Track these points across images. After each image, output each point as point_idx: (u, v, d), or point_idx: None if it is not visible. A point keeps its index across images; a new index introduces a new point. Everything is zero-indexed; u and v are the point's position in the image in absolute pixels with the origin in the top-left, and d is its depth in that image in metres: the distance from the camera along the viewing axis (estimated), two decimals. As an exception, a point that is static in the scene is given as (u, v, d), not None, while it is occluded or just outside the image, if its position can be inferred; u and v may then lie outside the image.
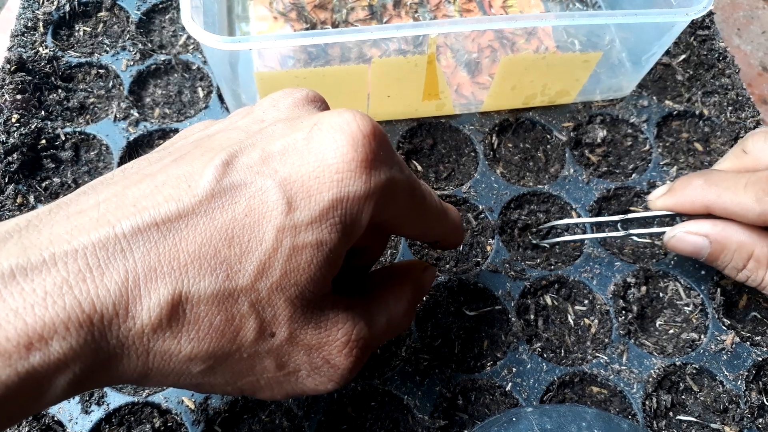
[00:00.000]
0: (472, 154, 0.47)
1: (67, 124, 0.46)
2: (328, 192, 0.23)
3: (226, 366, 0.24)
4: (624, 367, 0.39)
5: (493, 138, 0.48)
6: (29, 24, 0.50)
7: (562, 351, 0.40)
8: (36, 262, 0.20)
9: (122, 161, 0.45)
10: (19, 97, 0.45)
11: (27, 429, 0.35)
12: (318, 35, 0.38)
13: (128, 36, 0.50)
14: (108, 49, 0.50)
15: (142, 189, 0.23)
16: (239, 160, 0.23)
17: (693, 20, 0.43)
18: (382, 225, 0.27)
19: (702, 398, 0.39)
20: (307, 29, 0.51)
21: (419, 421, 0.37)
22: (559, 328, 0.41)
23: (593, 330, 0.41)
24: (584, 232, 0.44)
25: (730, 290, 0.42)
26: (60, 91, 0.47)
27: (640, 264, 0.43)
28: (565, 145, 0.48)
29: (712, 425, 0.38)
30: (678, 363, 0.39)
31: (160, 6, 0.53)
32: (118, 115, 0.46)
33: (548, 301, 0.42)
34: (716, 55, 0.52)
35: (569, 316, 0.41)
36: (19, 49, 0.48)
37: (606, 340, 0.40)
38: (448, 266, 0.42)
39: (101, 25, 0.51)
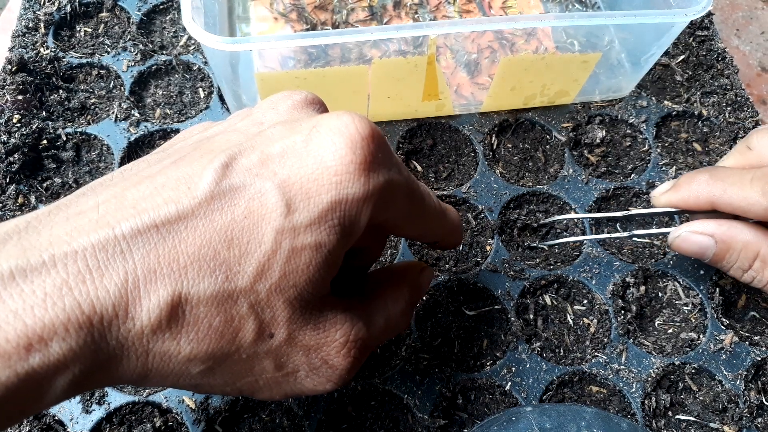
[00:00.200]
0: (472, 154, 0.47)
1: (69, 124, 0.46)
2: (326, 194, 0.23)
3: (225, 367, 0.24)
4: (623, 367, 0.39)
5: (493, 138, 0.48)
6: (30, 25, 0.50)
7: (562, 350, 0.40)
8: (36, 264, 0.20)
9: (123, 161, 0.45)
10: (20, 97, 0.45)
11: (27, 428, 0.35)
12: (318, 36, 0.38)
13: (129, 37, 0.50)
14: (109, 49, 0.50)
15: (141, 191, 0.23)
16: (238, 162, 0.24)
17: (692, 21, 0.43)
18: (381, 226, 0.27)
19: (701, 398, 0.39)
20: (307, 30, 0.51)
21: (419, 421, 0.37)
22: (559, 327, 0.41)
23: (592, 329, 0.41)
24: (584, 232, 0.44)
25: (729, 290, 0.42)
26: (61, 91, 0.47)
27: (639, 264, 0.43)
28: (565, 146, 0.48)
29: (711, 425, 0.38)
30: (677, 362, 0.39)
31: (161, 7, 0.53)
32: (119, 116, 0.47)
33: (547, 300, 0.42)
34: (715, 56, 0.52)
35: (568, 316, 0.41)
36: (20, 49, 0.48)
37: (605, 339, 0.40)
38: (447, 266, 0.43)
39: (102, 25, 0.52)
